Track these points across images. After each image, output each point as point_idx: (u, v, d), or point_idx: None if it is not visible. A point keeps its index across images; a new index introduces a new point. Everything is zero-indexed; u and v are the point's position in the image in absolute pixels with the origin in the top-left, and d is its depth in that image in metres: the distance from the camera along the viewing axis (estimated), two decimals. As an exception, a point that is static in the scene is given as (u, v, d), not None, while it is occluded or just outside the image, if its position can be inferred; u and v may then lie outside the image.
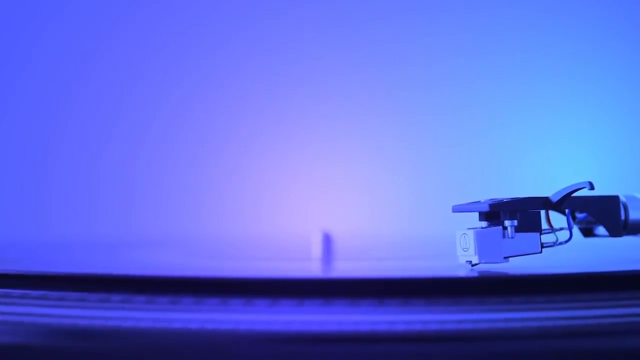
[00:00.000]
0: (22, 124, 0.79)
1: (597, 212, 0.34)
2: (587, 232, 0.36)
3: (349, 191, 0.78)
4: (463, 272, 0.32)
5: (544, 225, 0.33)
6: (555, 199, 0.33)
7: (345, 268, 0.41)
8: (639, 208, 0.34)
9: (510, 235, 0.33)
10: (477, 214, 0.33)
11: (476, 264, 0.33)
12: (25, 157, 0.79)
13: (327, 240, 0.48)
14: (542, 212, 0.33)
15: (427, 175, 0.77)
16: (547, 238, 0.33)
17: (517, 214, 0.33)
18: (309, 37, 0.79)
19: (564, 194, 0.33)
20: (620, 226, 0.34)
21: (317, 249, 0.47)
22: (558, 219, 0.34)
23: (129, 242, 0.58)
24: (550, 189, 0.33)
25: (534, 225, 0.33)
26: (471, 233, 0.33)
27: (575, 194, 0.33)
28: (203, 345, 0.25)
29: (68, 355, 0.26)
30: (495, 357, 0.25)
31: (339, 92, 0.78)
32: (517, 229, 0.33)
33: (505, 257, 0.33)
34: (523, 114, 0.77)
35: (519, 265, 0.33)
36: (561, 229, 0.34)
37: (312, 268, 0.41)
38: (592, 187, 0.33)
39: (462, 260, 0.33)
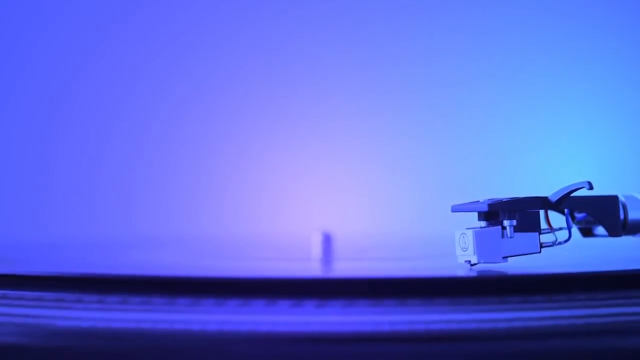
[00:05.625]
0: (22, 124, 0.79)
1: (596, 212, 0.34)
2: (586, 232, 0.36)
3: (349, 191, 0.78)
4: (462, 272, 0.32)
5: (543, 225, 0.33)
6: (554, 199, 0.33)
7: (344, 268, 0.41)
8: (638, 208, 0.34)
9: (509, 235, 0.33)
10: (476, 213, 0.33)
11: (475, 264, 0.33)
12: (25, 157, 0.79)
13: (327, 240, 0.48)
14: (541, 212, 0.33)
15: (427, 175, 0.77)
16: (546, 238, 0.33)
17: (516, 214, 0.33)
18: (309, 37, 0.78)
19: (563, 193, 0.33)
20: (619, 226, 0.34)
21: (317, 249, 0.47)
22: (557, 219, 0.34)
23: (128, 243, 0.58)
24: (550, 189, 0.33)
25: (533, 225, 0.33)
26: (470, 233, 0.32)
27: (574, 194, 0.33)
28: (200, 346, 0.25)
29: (66, 356, 0.26)
30: (495, 357, 0.25)
31: (339, 92, 0.78)
32: (516, 229, 0.33)
33: (504, 257, 0.33)
34: (523, 114, 0.77)
35: (517, 265, 0.33)
36: (560, 228, 0.34)
37: (311, 268, 0.41)
38: (591, 187, 0.33)
39: (461, 260, 0.33)
